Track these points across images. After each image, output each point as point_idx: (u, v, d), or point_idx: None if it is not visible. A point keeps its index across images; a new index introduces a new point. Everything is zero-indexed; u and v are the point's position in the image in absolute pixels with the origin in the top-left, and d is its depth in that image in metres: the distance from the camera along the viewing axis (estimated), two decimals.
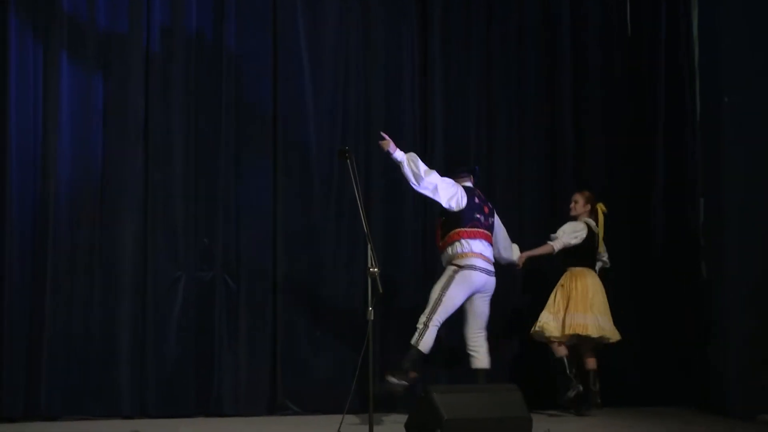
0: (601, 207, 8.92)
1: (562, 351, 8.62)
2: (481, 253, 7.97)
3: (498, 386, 6.74)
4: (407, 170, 7.76)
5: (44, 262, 8.09)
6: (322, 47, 9.07)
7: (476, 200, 8.09)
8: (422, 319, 7.82)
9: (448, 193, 7.90)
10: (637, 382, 9.46)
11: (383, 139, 7.81)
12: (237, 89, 8.76)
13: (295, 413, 8.53)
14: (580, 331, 8.55)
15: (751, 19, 8.83)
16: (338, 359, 8.71)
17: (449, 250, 8.01)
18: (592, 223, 8.91)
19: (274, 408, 8.58)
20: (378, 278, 6.31)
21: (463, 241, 7.95)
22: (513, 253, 8.60)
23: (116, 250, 8.35)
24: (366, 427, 6.03)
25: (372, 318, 6.27)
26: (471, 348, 8.03)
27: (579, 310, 8.61)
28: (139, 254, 8.41)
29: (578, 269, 8.83)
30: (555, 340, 8.62)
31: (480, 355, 8.00)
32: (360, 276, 8.49)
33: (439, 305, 7.83)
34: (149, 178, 8.45)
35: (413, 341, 7.74)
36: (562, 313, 8.66)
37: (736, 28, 8.89)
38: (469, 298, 7.98)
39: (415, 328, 7.81)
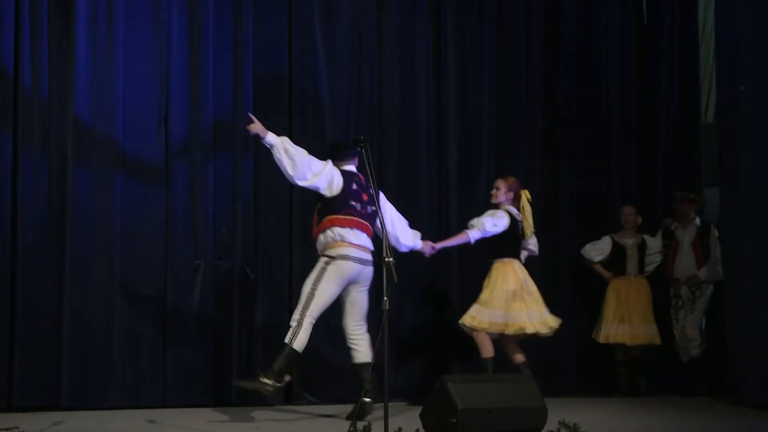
0: (525, 194, 8.59)
1: (489, 350, 8.38)
2: (354, 243, 7.56)
3: (513, 376, 6.76)
4: (281, 156, 7.44)
5: (62, 250, 8.13)
6: (337, 38, 9.10)
7: (354, 186, 7.62)
8: (295, 316, 7.45)
9: (325, 179, 7.51)
10: (652, 372, 9.48)
11: (252, 122, 7.48)
12: (254, 80, 8.78)
13: (311, 403, 8.56)
14: (518, 330, 8.39)
15: None
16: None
17: (321, 237, 7.61)
18: (514, 210, 8.55)
19: (290, 397, 8.61)
20: (393, 268, 6.30)
21: (335, 229, 7.54)
22: (414, 239, 8.07)
23: (136, 238, 8.40)
24: (381, 416, 6.03)
25: (387, 308, 6.25)
26: (351, 341, 7.71)
27: (516, 307, 8.40)
28: (158, 243, 8.45)
29: (504, 260, 8.55)
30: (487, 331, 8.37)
31: (361, 348, 7.68)
32: (375, 265, 8.51)
33: (311, 300, 7.43)
34: (169, 167, 8.48)
35: (287, 340, 7.37)
36: (499, 309, 8.39)
37: (754, 17, 8.83)
38: (345, 290, 7.63)
39: (289, 326, 7.45)
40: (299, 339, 7.39)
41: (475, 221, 8.42)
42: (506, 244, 8.51)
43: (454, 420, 5.98)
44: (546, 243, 9.62)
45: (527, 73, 9.76)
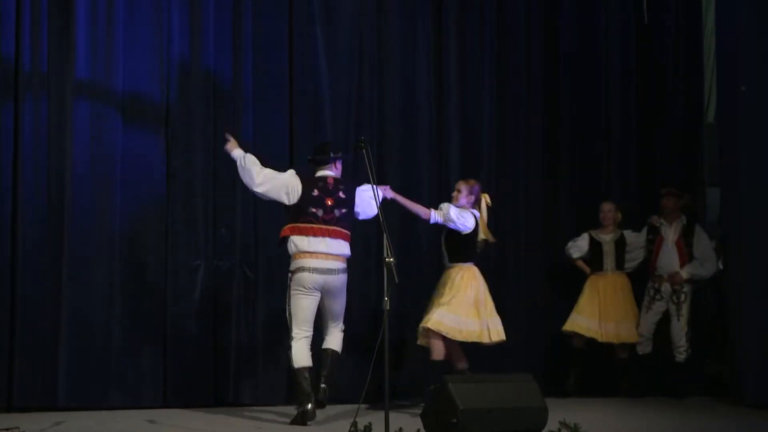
0: (485, 198, 8.49)
1: (441, 352, 8.22)
2: (314, 251, 7.42)
3: (513, 376, 6.73)
4: (239, 168, 7.54)
5: (62, 250, 8.12)
6: (337, 38, 9.11)
7: (315, 192, 7.49)
8: (290, 341, 7.43)
9: (281, 189, 7.49)
10: (654, 372, 9.48)
11: (228, 141, 7.65)
12: (254, 80, 8.78)
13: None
14: (475, 338, 8.21)
15: None
16: (354, 349, 8.73)
17: (286, 247, 7.56)
18: (477, 214, 8.41)
19: (291, 397, 8.60)
20: (394, 268, 6.30)
21: (294, 238, 7.46)
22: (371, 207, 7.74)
23: (136, 238, 8.41)
24: (382, 416, 6.03)
25: (388, 308, 6.25)
26: (324, 337, 7.71)
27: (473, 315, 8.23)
28: (158, 243, 8.46)
29: (466, 265, 8.35)
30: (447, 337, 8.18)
31: (333, 338, 7.66)
32: (376, 265, 8.51)
33: (292, 321, 7.44)
34: (169, 168, 8.48)
35: (290, 364, 7.43)
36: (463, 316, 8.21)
37: (754, 17, 8.84)
38: (321, 298, 7.54)
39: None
40: (296, 358, 7.36)
41: (444, 206, 8.27)
42: (468, 247, 8.37)
43: (455, 420, 5.98)
44: (546, 243, 9.64)
45: (527, 73, 9.77)
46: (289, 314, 7.45)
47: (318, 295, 7.48)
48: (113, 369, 8.22)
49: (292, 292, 7.44)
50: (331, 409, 8.07)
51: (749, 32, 8.83)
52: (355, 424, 6.29)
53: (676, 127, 9.94)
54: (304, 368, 7.35)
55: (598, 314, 9.40)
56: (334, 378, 7.64)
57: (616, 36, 10.01)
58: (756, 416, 8.03)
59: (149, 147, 8.46)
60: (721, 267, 9.62)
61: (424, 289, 9.00)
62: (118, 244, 8.33)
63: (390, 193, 8.05)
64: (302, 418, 7.25)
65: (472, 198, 8.39)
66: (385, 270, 6.30)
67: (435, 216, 8.20)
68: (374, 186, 6.62)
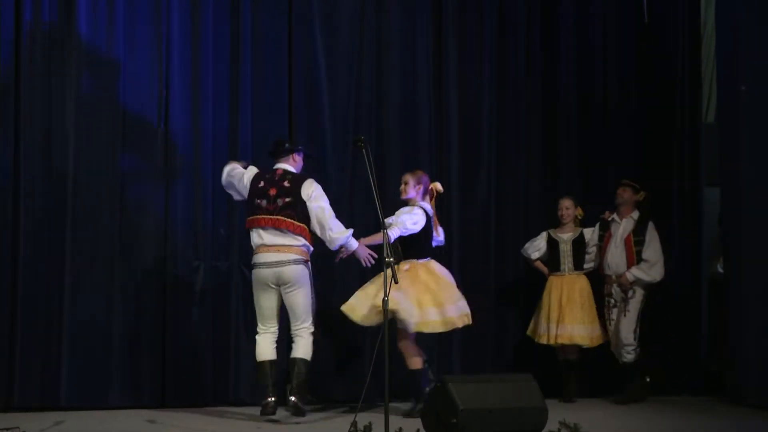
0: (435, 186, 8.25)
1: (418, 362, 7.93)
2: (265, 244, 7.46)
3: (514, 376, 6.73)
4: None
5: (63, 251, 8.16)
6: (337, 38, 9.11)
7: (261, 184, 7.52)
8: (256, 335, 7.60)
9: (232, 185, 7.64)
10: (655, 372, 9.47)
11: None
12: (253, 81, 8.79)
13: (310, 402, 8.54)
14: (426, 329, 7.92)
15: None
16: (354, 349, 8.75)
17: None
18: (427, 206, 8.13)
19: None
20: (393, 267, 6.30)
21: (251, 234, 7.57)
22: (332, 238, 7.57)
23: (136, 239, 8.42)
24: (381, 416, 6.03)
25: (388, 307, 6.27)
26: (292, 339, 7.63)
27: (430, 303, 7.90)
28: (158, 244, 8.47)
29: (421, 261, 8.05)
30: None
31: (296, 346, 7.55)
32: (375, 264, 8.50)
33: (257, 317, 7.61)
34: (168, 169, 8.49)
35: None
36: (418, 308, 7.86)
37: (754, 17, 8.85)
38: (281, 293, 7.53)
39: None
40: (258, 352, 7.53)
41: (392, 219, 7.92)
42: (424, 243, 8.11)
43: (455, 420, 5.98)
44: None
45: (528, 73, 9.75)
46: (255, 309, 7.63)
47: (276, 289, 7.50)
48: (113, 369, 8.24)
49: (253, 288, 7.62)
50: (331, 409, 8.09)
51: (749, 31, 8.84)
52: (354, 423, 6.29)
53: (675, 127, 9.93)
54: (265, 362, 7.48)
55: (555, 318, 8.97)
56: (306, 386, 7.57)
57: (616, 35, 10.00)
58: (757, 417, 8.02)
59: (149, 147, 8.46)
60: (720, 270, 9.58)
61: None
62: (118, 245, 8.35)
63: (363, 250, 7.74)
64: (263, 411, 7.33)
65: (420, 188, 8.14)
66: (384, 269, 6.31)
67: (393, 234, 7.77)
68: (374, 184, 6.51)
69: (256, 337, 7.59)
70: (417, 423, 6.37)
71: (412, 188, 8.13)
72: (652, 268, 8.93)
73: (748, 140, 8.80)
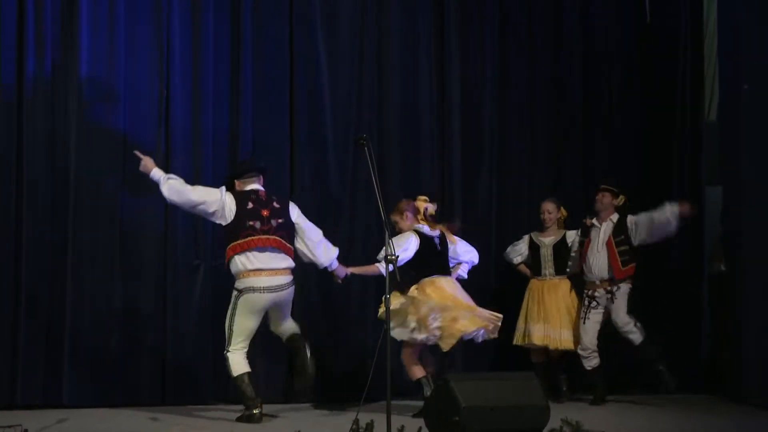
0: (420, 205, 8.17)
1: (418, 372, 7.93)
2: (260, 268, 7.38)
3: (515, 374, 6.75)
4: (165, 192, 7.36)
5: (64, 250, 8.20)
6: (338, 36, 9.13)
7: (249, 205, 7.43)
8: (225, 352, 7.48)
9: (213, 208, 7.39)
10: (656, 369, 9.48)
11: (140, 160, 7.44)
12: (254, 80, 8.80)
13: (311, 401, 8.57)
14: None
15: None
16: (355, 347, 8.76)
17: (231, 267, 7.47)
18: (425, 228, 8.09)
19: (290, 395, 8.62)
20: (396, 266, 6.32)
21: (237, 258, 7.39)
22: (327, 255, 7.73)
23: (136, 239, 8.44)
24: (383, 415, 6.05)
25: (389, 305, 6.29)
26: (276, 333, 7.77)
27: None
28: (158, 243, 8.50)
29: (431, 278, 7.96)
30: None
31: (285, 330, 7.70)
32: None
33: (232, 336, 7.45)
34: (169, 167, 8.49)
35: (229, 373, 7.48)
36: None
37: (756, 16, 8.86)
38: (266, 314, 7.58)
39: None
40: (235, 367, 7.42)
41: (381, 254, 7.80)
42: (426, 263, 8.01)
43: (457, 418, 5.99)
44: None
45: (529, 72, 9.77)
46: (229, 330, 7.45)
47: (262, 314, 7.53)
48: (114, 367, 8.27)
49: (238, 310, 7.42)
50: (333, 407, 8.10)
51: (751, 30, 8.86)
52: (356, 421, 6.30)
53: (677, 126, 9.93)
54: (244, 374, 7.43)
55: (535, 320, 8.88)
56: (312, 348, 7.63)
57: (618, 34, 10.01)
58: (758, 415, 8.04)
59: (150, 147, 8.47)
60: (723, 269, 9.57)
61: None
62: (119, 245, 8.39)
63: (343, 272, 7.86)
64: (248, 419, 7.35)
65: (409, 215, 8.13)
66: (386, 267, 6.32)
67: (382, 268, 7.76)
68: (376, 181, 6.49)
69: (228, 354, 7.43)
70: (419, 421, 6.38)
71: (402, 222, 8.13)
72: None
73: (749, 139, 8.82)
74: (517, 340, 8.99)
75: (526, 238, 9.18)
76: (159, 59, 8.55)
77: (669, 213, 8.62)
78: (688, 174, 9.88)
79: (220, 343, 8.44)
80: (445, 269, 8.14)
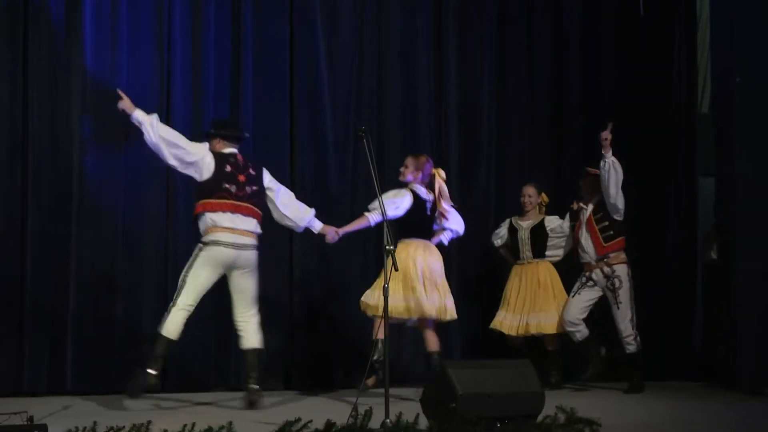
0: (439, 173, 8.17)
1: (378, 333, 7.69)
2: (227, 227, 7.36)
3: (512, 362, 6.82)
4: (149, 135, 7.31)
5: (68, 241, 8.30)
6: (337, 35, 9.22)
7: (228, 168, 7.41)
8: (171, 303, 7.38)
9: (195, 162, 7.37)
10: (650, 358, 9.56)
11: (121, 98, 7.40)
12: (254, 74, 8.87)
13: (310, 388, 8.65)
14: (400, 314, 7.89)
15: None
16: (354, 336, 8.84)
17: (199, 223, 7.44)
18: (422, 190, 8.07)
19: (290, 383, 8.71)
20: (394, 255, 6.40)
21: (208, 214, 7.36)
22: (301, 216, 7.74)
23: (138, 232, 8.55)
24: (382, 400, 6.14)
25: (389, 294, 6.36)
26: (238, 328, 7.62)
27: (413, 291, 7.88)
28: (160, 233, 8.62)
29: (408, 241, 8.02)
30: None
31: (247, 334, 7.57)
32: (375, 253, 8.60)
33: (182, 288, 7.32)
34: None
35: (159, 328, 7.34)
36: (400, 293, 7.88)
37: (749, 7, 8.93)
38: (228, 277, 7.48)
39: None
40: (167, 326, 7.29)
41: (376, 204, 7.80)
42: (410, 224, 8.01)
43: (454, 405, 6.05)
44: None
45: (528, 66, 9.84)
46: (183, 279, 7.34)
47: (220, 273, 7.41)
48: (117, 356, 8.36)
49: (198, 261, 7.34)
50: (332, 394, 8.19)
51: (744, 22, 8.91)
52: (355, 408, 6.38)
53: (671, 118, 10.00)
54: (168, 338, 7.29)
55: (520, 307, 8.96)
56: (260, 373, 7.57)
57: (612, 27, 10.07)
58: (751, 401, 8.14)
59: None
60: (714, 257, 9.66)
61: None
62: (121, 238, 8.50)
63: (332, 232, 7.85)
64: (143, 380, 7.25)
65: (419, 174, 8.10)
66: (385, 257, 6.41)
67: (372, 218, 7.88)
68: (375, 173, 6.59)
69: (172, 309, 7.30)
70: (417, 408, 6.46)
71: (410, 173, 8.12)
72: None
73: (742, 130, 8.89)
74: (493, 324, 9.01)
75: (507, 222, 9.22)
76: (160, 57, 8.63)
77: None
78: (682, 165, 9.96)
79: (222, 331, 8.58)
80: (427, 234, 8.13)
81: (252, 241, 7.47)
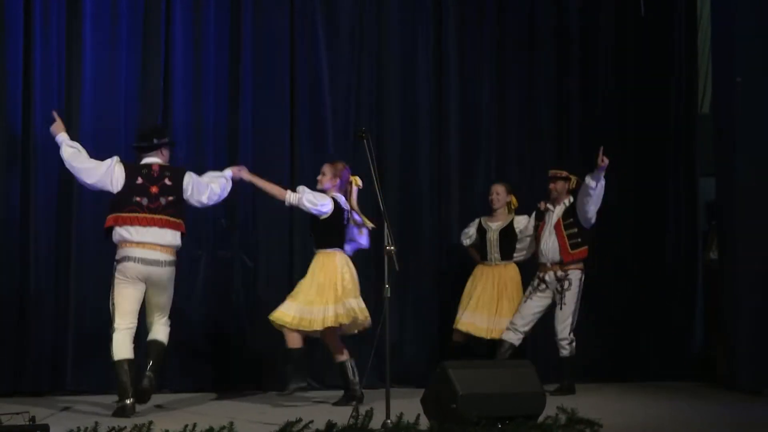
0: (355, 180, 7.99)
1: (295, 341, 7.73)
2: (138, 241, 7.11)
3: (512, 362, 6.84)
4: (63, 156, 7.22)
5: (69, 241, 8.30)
6: (338, 34, 9.18)
7: (139, 180, 7.17)
8: (110, 329, 7.15)
9: (106, 179, 7.17)
10: (650, 358, 9.58)
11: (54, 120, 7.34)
12: (254, 72, 8.87)
13: (312, 388, 8.64)
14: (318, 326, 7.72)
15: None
16: (355, 336, 8.83)
17: (112, 236, 7.22)
18: (341, 198, 7.90)
19: (289, 381, 8.69)
20: (394, 256, 6.40)
21: (117, 229, 7.13)
22: (213, 194, 7.46)
23: None
24: (383, 401, 6.15)
25: (389, 295, 6.34)
26: (148, 327, 7.42)
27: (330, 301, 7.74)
28: None
29: (326, 251, 7.87)
30: (293, 329, 7.71)
31: (158, 332, 7.37)
32: (376, 253, 8.59)
33: (114, 311, 7.14)
34: (172, 159, 8.56)
35: (111, 357, 7.08)
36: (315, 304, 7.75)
37: (750, 8, 8.93)
38: (145, 290, 7.24)
39: None
40: (116, 351, 7.06)
41: (300, 188, 7.74)
42: (329, 232, 7.86)
43: (454, 405, 6.06)
44: None
45: (528, 66, 9.79)
46: (112, 304, 7.17)
47: (143, 286, 7.21)
48: None
49: (115, 281, 7.17)
50: (332, 395, 8.19)
51: (745, 23, 8.90)
52: (356, 408, 6.39)
53: (671, 118, 9.99)
54: (123, 360, 7.06)
55: (486, 309, 8.78)
56: (160, 368, 7.44)
57: (612, 28, 10.06)
58: (748, 401, 8.15)
59: None
60: (714, 257, 9.66)
61: (424, 276, 9.14)
62: None
63: (246, 175, 7.70)
64: (122, 412, 6.92)
65: (337, 181, 7.90)
66: (385, 258, 6.41)
67: (290, 198, 7.71)
68: (375, 173, 6.59)
69: (113, 334, 7.09)
70: (418, 408, 6.46)
71: (328, 180, 7.94)
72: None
73: (742, 131, 8.88)
74: (463, 326, 8.84)
75: (476, 221, 9.08)
76: (160, 57, 8.61)
77: (587, 179, 8.50)
78: (682, 166, 9.96)
79: (222, 331, 8.59)
80: (341, 244, 7.95)
81: (164, 256, 7.21)
